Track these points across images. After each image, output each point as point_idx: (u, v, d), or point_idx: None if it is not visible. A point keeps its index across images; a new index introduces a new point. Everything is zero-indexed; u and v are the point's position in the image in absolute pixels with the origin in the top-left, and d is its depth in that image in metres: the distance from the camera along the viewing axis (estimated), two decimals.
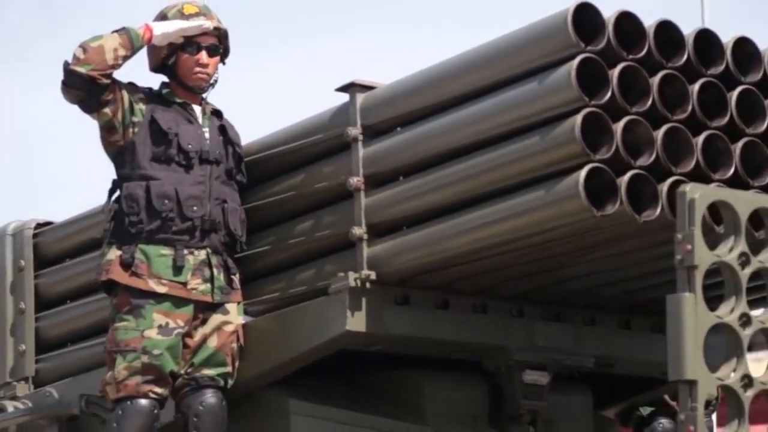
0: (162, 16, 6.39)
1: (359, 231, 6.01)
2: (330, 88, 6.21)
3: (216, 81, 6.46)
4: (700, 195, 4.87)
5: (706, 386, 4.79)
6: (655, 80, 5.50)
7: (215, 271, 6.25)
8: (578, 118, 5.31)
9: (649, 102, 5.47)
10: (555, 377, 6.50)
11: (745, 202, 4.99)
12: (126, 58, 6.19)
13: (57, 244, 7.63)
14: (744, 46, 5.75)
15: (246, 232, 6.39)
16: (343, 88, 6.17)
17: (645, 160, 5.42)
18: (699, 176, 5.48)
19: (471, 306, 6.30)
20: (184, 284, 6.20)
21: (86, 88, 6.14)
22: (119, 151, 6.31)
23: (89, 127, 6.29)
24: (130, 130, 6.26)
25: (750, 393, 4.91)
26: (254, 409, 6.44)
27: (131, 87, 6.35)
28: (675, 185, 5.36)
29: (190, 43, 6.34)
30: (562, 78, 5.37)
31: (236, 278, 6.36)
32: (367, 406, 6.43)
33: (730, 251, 4.93)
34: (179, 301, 6.20)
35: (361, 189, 6.04)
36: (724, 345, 5.99)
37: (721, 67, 5.67)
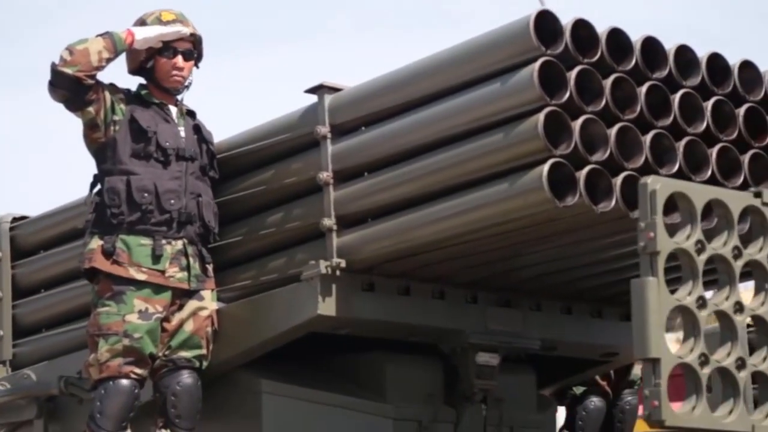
0: (141, 22, 6.19)
1: (329, 222, 5.80)
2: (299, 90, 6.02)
3: (190, 83, 6.26)
4: (660, 186, 4.75)
5: (668, 364, 4.60)
6: (608, 83, 5.32)
7: (191, 260, 6.05)
8: (540, 116, 5.12)
9: (603, 103, 5.30)
10: (503, 359, 6.30)
11: (700, 193, 4.86)
12: (109, 60, 5.99)
13: (32, 236, 7.38)
14: (684, 53, 5.59)
15: (219, 224, 6.17)
16: (312, 90, 5.96)
17: (600, 156, 5.25)
18: (647, 171, 5.33)
19: (430, 292, 6.10)
20: (163, 272, 5.99)
21: (72, 87, 5.93)
22: (101, 148, 6.08)
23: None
24: (112, 128, 6.05)
25: (706, 370, 4.73)
26: (228, 389, 6.20)
27: (112, 88, 6.13)
28: (627, 179, 5.26)
29: (167, 47, 6.13)
30: (524, 79, 5.19)
31: (210, 267, 6.15)
32: (333, 386, 6.22)
33: (687, 239, 4.77)
34: (158, 288, 5.98)
35: (330, 183, 5.83)
36: None
37: (665, 72, 5.50)
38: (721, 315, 4.82)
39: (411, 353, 6.30)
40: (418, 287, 6.03)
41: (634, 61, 5.41)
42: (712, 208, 4.97)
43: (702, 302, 4.76)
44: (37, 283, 7.31)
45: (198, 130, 6.23)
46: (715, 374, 4.78)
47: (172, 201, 5.99)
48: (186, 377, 5.97)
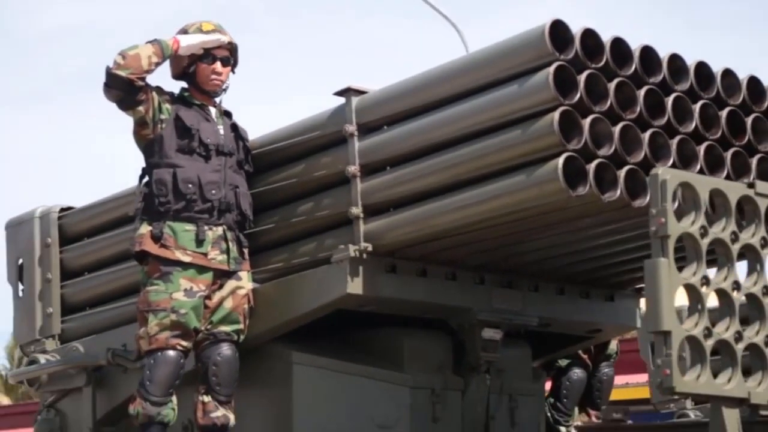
0: (183, 32, 6.03)
1: (356, 210, 5.64)
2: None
3: (227, 87, 6.09)
4: (670, 177, 4.61)
5: (677, 336, 4.46)
6: (612, 86, 5.19)
7: (230, 244, 5.88)
8: (556, 114, 5.00)
9: (608, 104, 5.17)
10: (505, 334, 6.15)
11: (703, 184, 4.72)
12: (158, 64, 5.84)
13: (77, 225, 7.15)
14: (675, 61, 5.47)
15: (253, 212, 6.01)
16: (340, 93, 5.80)
17: (606, 151, 5.12)
18: (646, 165, 5.22)
19: (444, 274, 5.93)
20: (205, 255, 5.82)
21: (125, 89, 5.77)
22: (149, 143, 5.91)
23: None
24: (159, 125, 5.88)
25: (710, 342, 4.60)
26: (262, 360, 6.02)
27: (159, 90, 5.96)
28: (629, 172, 5.14)
29: (207, 54, 5.98)
30: (541, 81, 5.05)
31: (246, 251, 5.97)
32: (356, 358, 6.05)
33: (692, 224, 4.63)
34: (201, 269, 5.82)
35: (357, 175, 5.67)
36: None
37: (660, 77, 5.38)
38: (720, 293, 4.68)
39: (424, 329, 6.15)
40: (434, 270, 5.87)
41: (633, 67, 5.28)
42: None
43: (706, 281, 4.63)
44: (82, 266, 7.09)
45: (235, 128, 6.07)
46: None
47: (213, 191, 5.83)
48: (225, 349, 5.80)
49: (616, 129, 5.14)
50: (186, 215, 5.80)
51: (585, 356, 7.40)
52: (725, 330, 4.67)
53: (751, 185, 4.88)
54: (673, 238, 4.52)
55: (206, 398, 5.79)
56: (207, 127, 5.93)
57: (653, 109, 5.32)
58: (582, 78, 5.08)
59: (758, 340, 4.76)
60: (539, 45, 5.06)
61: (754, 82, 5.76)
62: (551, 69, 5.01)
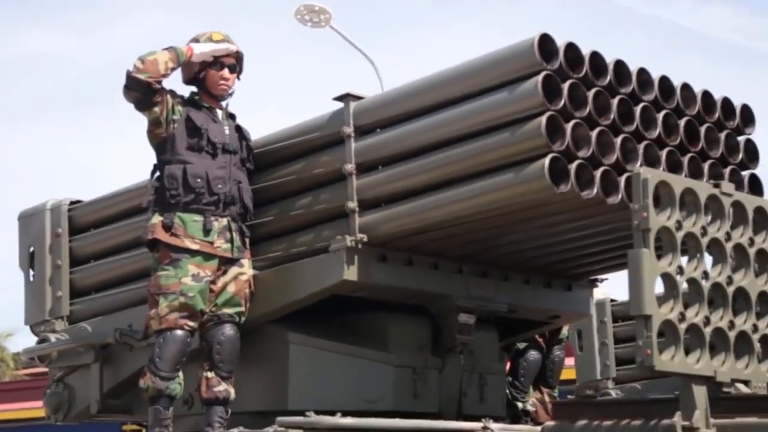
0: (195, 40, 5.81)
1: (352, 204, 5.45)
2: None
3: (233, 92, 5.89)
4: (651, 176, 4.44)
5: (657, 320, 4.30)
6: (590, 94, 5.04)
7: (234, 234, 5.66)
8: (543, 119, 4.85)
9: (587, 110, 5.01)
10: (477, 319, 5.95)
11: (677, 183, 4.56)
12: (173, 69, 5.63)
13: (86, 216, 6.86)
14: (642, 74, 5.34)
15: (255, 206, 5.79)
16: (339, 98, 5.60)
17: (584, 153, 4.97)
18: (618, 167, 5.08)
19: (428, 264, 5.74)
20: (212, 243, 5.60)
21: (143, 90, 5.55)
22: (162, 142, 5.68)
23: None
24: (172, 125, 5.66)
25: (683, 326, 4.44)
26: (261, 340, 5.78)
27: (172, 93, 5.73)
28: (604, 172, 5.00)
29: (216, 62, 5.78)
30: (530, 88, 4.91)
31: (247, 240, 5.75)
32: (346, 338, 5.84)
33: (668, 219, 4.46)
34: (207, 256, 5.59)
35: (353, 173, 5.48)
36: None
37: (630, 88, 5.23)
38: (691, 281, 4.53)
39: (407, 313, 5.94)
40: (419, 260, 5.68)
41: (608, 79, 5.14)
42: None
43: (680, 270, 4.47)
44: (89, 254, 6.80)
45: (239, 129, 5.85)
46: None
47: (220, 185, 5.61)
48: (228, 329, 5.57)
49: (593, 133, 4.99)
50: (195, 207, 5.58)
51: (540, 340, 7.24)
52: (695, 315, 4.52)
53: (717, 185, 4.73)
54: (653, 231, 4.36)
55: (210, 374, 5.55)
56: (214, 127, 5.71)
57: (624, 117, 5.19)
58: (565, 86, 4.93)
59: (722, 324, 4.62)
60: (528, 56, 4.91)
61: (706, 95, 5.65)
62: (540, 77, 4.85)
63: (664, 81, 5.41)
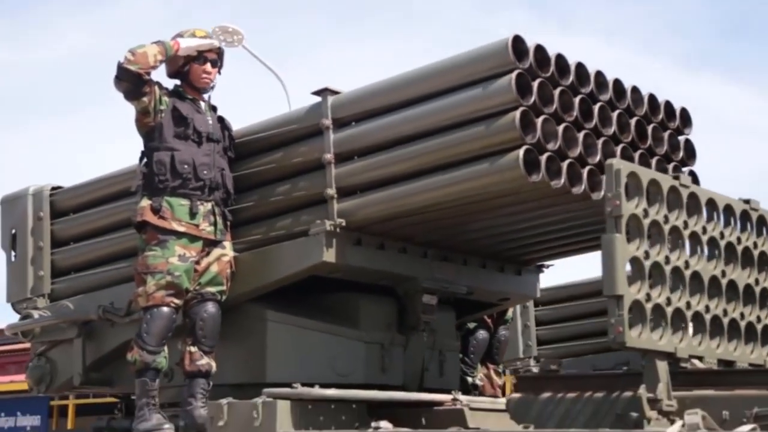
0: (178, 36, 5.55)
1: (331, 191, 5.25)
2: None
3: (215, 85, 5.66)
4: (623, 167, 4.27)
5: (628, 300, 4.16)
6: (556, 93, 4.89)
7: (217, 218, 5.44)
8: (517, 113, 4.69)
9: (554, 107, 4.87)
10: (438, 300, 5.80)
11: (644, 174, 4.41)
12: (162, 62, 5.42)
13: (66, 201, 6.59)
14: (599, 77, 5.20)
15: (235, 191, 5.56)
16: (318, 92, 5.38)
17: (552, 146, 4.81)
18: (581, 160, 4.95)
19: (397, 248, 5.55)
20: (197, 226, 5.38)
21: (133, 81, 5.32)
22: (150, 130, 5.44)
23: None
24: (159, 115, 5.43)
25: (649, 305, 4.31)
26: (241, 317, 5.55)
27: (159, 84, 5.48)
28: (570, 165, 4.87)
29: (199, 56, 5.56)
30: (504, 85, 4.74)
31: (229, 224, 5.52)
32: (320, 317, 5.62)
33: (636, 207, 4.33)
34: (193, 238, 5.37)
35: (332, 162, 5.27)
36: None
37: (589, 88, 5.10)
38: (655, 265, 4.40)
39: (376, 294, 5.74)
40: (390, 244, 5.49)
41: (571, 79, 5.00)
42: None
43: (647, 255, 4.33)
44: (69, 237, 6.53)
45: (221, 120, 5.61)
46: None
47: (205, 172, 5.39)
48: (210, 307, 5.35)
49: (560, 129, 4.85)
50: (182, 192, 5.35)
51: (489, 320, 7.10)
52: (658, 296, 4.39)
53: (676, 177, 4.61)
54: (625, 217, 4.21)
55: (193, 348, 5.32)
56: (199, 117, 5.49)
57: (585, 114, 5.05)
58: (535, 84, 4.78)
59: (681, 305, 4.50)
60: (503, 55, 4.75)
61: (652, 98, 5.55)
62: (513, 75, 4.70)
63: (617, 84, 5.29)
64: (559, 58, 4.97)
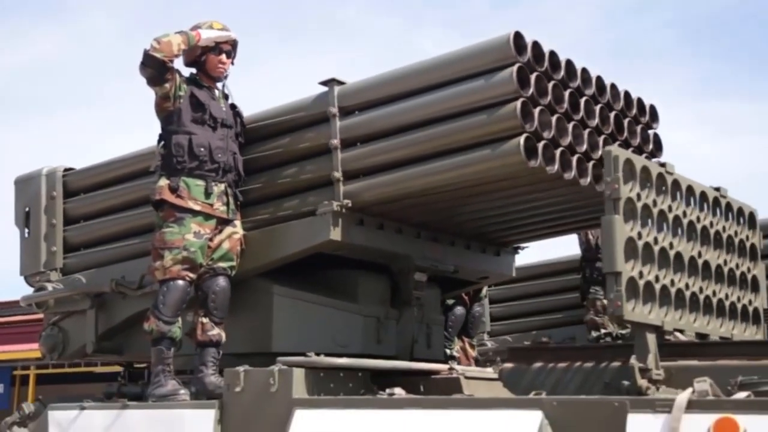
0: (197, 27, 5.31)
1: (338, 174, 5.05)
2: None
3: (228, 75, 5.42)
4: (620, 154, 4.17)
5: (625, 276, 4.05)
6: (550, 86, 4.75)
7: (230, 198, 5.23)
8: (518, 103, 4.53)
9: (548, 99, 4.72)
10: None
11: (637, 161, 4.30)
12: (184, 51, 5.17)
13: (78, 182, 6.31)
14: (584, 73, 5.06)
15: (246, 173, 5.35)
16: (325, 82, 5.18)
17: (547, 135, 4.67)
18: (570, 148, 4.81)
19: (394, 229, 5.38)
20: (211, 205, 5.16)
21: (157, 68, 5.07)
22: (169, 114, 5.20)
23: None
24: (178, 100, 5.18)
25: (641, 282, 4.19)
26: (249, 291, 5.34)
27: (178, 72, 5.24)
28: (562, 152, 4.72)
29: (215, 47, 5.31)
30: (506, 77, 4.57)
31: (239, 204, 5.31)
32: (322, 291, 5.44)
33: (630, 191, 4.21)
34: (208, 216, 5.15)
35: (338, 147, 5.07)
36: None
37: (576, 83, 4.97)
38: (645, 245, 4.28)
39: (373, 271, 5.57)
40: (388, 224, 5.31)
41: (562, 74, 4.86)
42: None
43: (640, 235, 4.22)
44: (80, 215, 6.26)
45: (233, 107, 5.39)
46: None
47: (220, 155, 5.18)
48: (222, 281, 5.14)
49: (553, 119, 4.71)
50: (198, 173, 5.13)
51: (466, 298, 6.97)
52: (648, 273, 4.28)
53: (662, 165, 4.51)
54: (623, 200, 4.10)
55: (205, 320, 5.11)
56: (214, 104, 5.27)
57: (573, 107, 4.92)
58: (533, 78, 4.63)
59: (666, 282, 4.40)
60: (505, 49, 4.58)
61: (627, 95, 5.42)
62: (515, 68, 4.54)
63: (599, 80, 5.17)
64: (552, 54, 4.83)
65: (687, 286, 4.57)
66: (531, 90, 4.59)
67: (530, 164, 4.51)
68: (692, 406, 3.30)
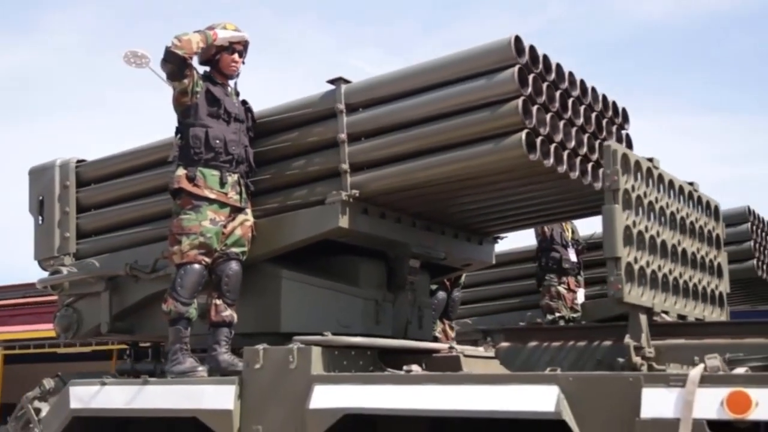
0: (211, 28, 5.06)
1: (345, 166, 4.86)
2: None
3: (239, 73, 5.18)
4: (618, 148, 4.06)
5: (623, 261, 3.93)
6: (544, 86, 4.60)
7: (242, 188, 5.01)
8: (519, 101, 4.39)
9: (543, 98, 4.58)
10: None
11: (631, 155, 4.20)
12: (202, 49, 4.93)
13: (90, 173, 6.01)
14: (571, 75, 4.92)
15: (256, 165, 5.13)
16: (332, 81, 4.99)
17: (543, 131, 4.53)
18: (562, 145, 4.68)
19: (395, 218, 5.21)
20: (226, 194, 4.94)
21: (177, 64, 4.85)
22: (186, 109, 4.96)
23: None
24: (195, 96, 4.95)
25: (636, 266, 4.08)
26: (260, 275, 5.12)
27: (195, 69, 4.99)
28: (555, 148, 4.58)
29: (229, 47, 5.08)
30: (508, 77, 4.43)
31: (250, 193, 5.09)
32: (327, 276, 5.25)
33: (626, 183, 4.09)
34: (222, 205, 4.93)
35: (345, 141, 4.88)
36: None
37: (565, 85, 4.82)
38: (638, 233, 4.17)
39: (372, 258, 5.39)
40: (389, 214, 5.14)
41: (553, 75, 4.72)
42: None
43: (634, 224, 4.11)
44: (92, 204, 5.97)
45: (244, 103, 5.17)
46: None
47: (234, 147, 4.96)
48: (234, 265, 4.92)
49: (548, 117, 4.58)
50: (213, 164, 4.91)
51: (448, 283, 6.81)
52: (641, 259, 4.17)
53: (650, 159, 4.40)
54: (621, 191, 3.98)
55: (218, 301, 4.89)
56: (228, 100, 5.05)
57: (563, 107, 4.78)
58: (530, 78, 4.49)
59: (654, 267, 4.29)
60: (506, 51, 4.44)
61: (605, 97, 5.29)
62: (516, 69, 4.40)
63: (582, 83, 5.04)
64: (545, 58, 4.69)
65: (670, 272, 4.48)
66: (529, 89, 4.46)
67: (530, 158, 4.37)
68: (705, 380, 3.18)
